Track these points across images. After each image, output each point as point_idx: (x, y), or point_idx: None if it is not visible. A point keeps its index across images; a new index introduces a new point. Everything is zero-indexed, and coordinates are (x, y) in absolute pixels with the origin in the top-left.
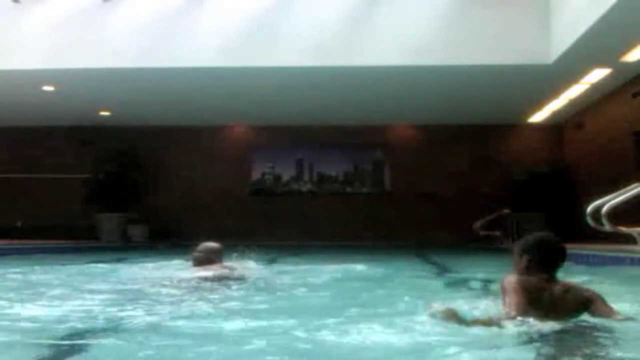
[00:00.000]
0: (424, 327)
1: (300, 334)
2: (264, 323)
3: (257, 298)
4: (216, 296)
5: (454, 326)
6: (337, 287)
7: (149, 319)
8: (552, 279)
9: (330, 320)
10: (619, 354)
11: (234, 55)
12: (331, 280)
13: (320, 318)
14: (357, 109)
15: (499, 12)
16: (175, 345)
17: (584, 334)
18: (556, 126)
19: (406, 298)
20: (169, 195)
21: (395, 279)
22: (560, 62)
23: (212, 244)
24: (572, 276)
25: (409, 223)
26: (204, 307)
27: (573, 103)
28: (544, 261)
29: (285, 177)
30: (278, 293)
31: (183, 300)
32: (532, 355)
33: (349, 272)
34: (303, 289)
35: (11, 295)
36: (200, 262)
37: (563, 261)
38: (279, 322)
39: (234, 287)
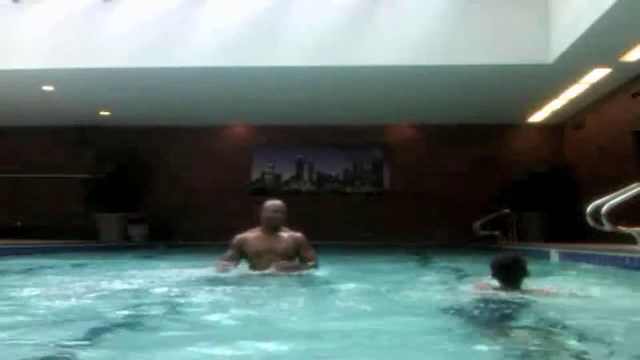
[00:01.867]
0: None
1: None
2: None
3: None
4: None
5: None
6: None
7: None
8: (510, 287)
9: None
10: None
11: (234, 55)
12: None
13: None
14: (357, 109)
15: (499, 12)
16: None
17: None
18: (556, 126)
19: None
20: (169, 195)
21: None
22: (560, 62)
23: (279, 202)
24: (571, 275)
25: (409, 223)
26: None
27: (573, 103)
28: (503, 277)
29: (285, 177)
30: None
31: None
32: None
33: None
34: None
35: (41, 290)
36: (279, 226)
37: (520, 276)
38: None
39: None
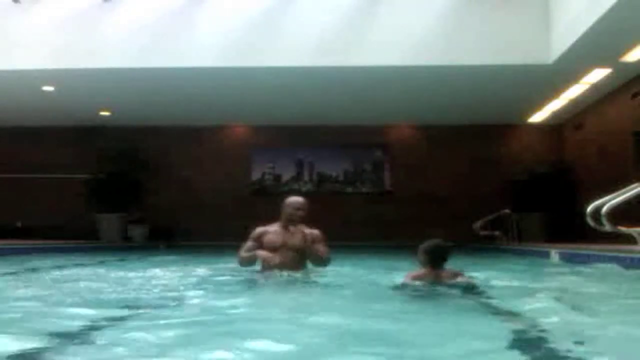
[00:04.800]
0: None
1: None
2: None
3: None
4: None
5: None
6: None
7: None
8: (438, 268)
9: None
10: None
11: (234, 55)
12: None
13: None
14: (357, 109)
15: (499, 12)
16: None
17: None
18: (556, 126)
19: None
20: (169, 195)
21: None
22: (560, 62)
23: (301, 199)
24: (570, 276)
25: (409, 223)
26: None
27: (573, 103)
28: (432, 259)
29: (285, 177)
30: None
31: None
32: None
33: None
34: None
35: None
36: (297, 223)
37: (445, 259)
38: None
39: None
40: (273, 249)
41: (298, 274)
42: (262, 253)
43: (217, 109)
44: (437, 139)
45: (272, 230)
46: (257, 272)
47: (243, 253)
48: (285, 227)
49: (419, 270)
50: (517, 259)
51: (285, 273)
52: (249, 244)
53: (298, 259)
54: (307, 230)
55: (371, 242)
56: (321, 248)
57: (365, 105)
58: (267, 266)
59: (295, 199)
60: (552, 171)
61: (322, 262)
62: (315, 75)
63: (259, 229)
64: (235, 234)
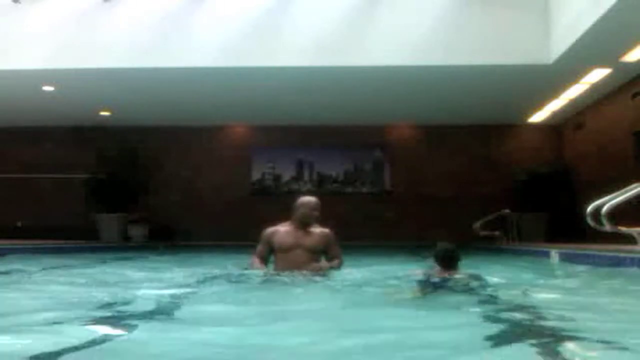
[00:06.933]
0: None
1: None
2: None
3: None
4: None
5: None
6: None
7: None
8: (449, 269)
9: None
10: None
11: (234, 55)
12: None
13: None
14: (357, 109)
15: (499, 13)
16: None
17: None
18: (556, 126)
19: None
20: (169, 195)
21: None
22: (560, 62)
23: (315, 199)
24: (569, 276)
25: (409, 223)
26: None
27: (573, 103)
28: (442, 261)
29: (285, 177)
30: None
31: None
32: None
33: None
34: None
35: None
36: (311, 223)
37: (455, 261)
38: None
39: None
40: (285, 249)
41: (310, 275)
42: (257, 266)
43: (217, 109)
44: (437, 139)
45: (283, 231)
46: (270, 272)
47: (254, 262)
48: (298, 227)
49: (433, 269)
50: (517, 259)
51: (299, 272)
52: (260, 247)
53: (311, 259)
54: (320, 230)
55: (371, 242)
56: (334, 252)
57: (365, 105)
58: (279, 267)
59: (310, 199)
60: (552, 171)
61: (336, 268)
62: (315, 76)
63: (270, 230)
64: (235, 234)
